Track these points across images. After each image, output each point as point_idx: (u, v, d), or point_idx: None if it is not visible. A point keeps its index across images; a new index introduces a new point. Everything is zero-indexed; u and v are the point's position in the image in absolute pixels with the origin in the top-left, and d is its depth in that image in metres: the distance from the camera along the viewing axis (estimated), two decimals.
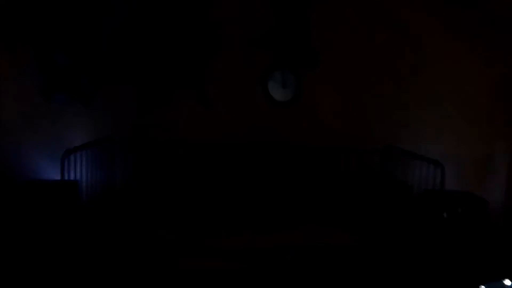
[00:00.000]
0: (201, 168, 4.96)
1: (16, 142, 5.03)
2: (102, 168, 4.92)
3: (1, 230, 4.27)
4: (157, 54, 4.99)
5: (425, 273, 3.97)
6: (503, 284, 3.17)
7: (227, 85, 5.11)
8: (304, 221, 4.61)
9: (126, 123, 5.09)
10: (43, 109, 5.02)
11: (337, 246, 4.17)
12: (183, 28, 4.97)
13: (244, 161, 5.01)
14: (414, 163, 4.64)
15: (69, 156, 4.19)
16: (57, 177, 4.30)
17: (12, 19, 4.91)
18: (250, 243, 4.13)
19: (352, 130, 5.17)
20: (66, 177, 4.14)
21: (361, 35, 5.13)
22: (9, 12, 4.90)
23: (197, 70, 5.06)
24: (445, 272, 4.01)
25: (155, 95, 5.04)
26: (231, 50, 5.05)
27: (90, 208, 4.51)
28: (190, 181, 4.89)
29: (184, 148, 5.02)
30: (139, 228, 4.44)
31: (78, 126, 5.03)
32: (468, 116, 5.24)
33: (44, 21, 4.89)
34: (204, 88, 5.07)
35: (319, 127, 5.15)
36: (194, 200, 4.80)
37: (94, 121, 5.06)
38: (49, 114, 5.03)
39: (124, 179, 5.04)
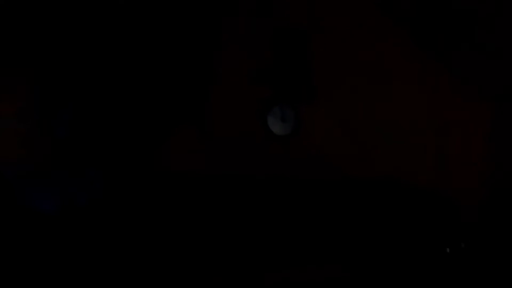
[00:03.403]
0: (197, 203, 4.94)
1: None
2: None
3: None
4: (157, 91, 5.08)
5: None
6: None
7: (226, 121, 5.13)
8: (303, 258, 4.53)
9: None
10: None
11: (336, 282, 4.12)
12: (185, 64, 5.07)
13: (243, 196, 4.98)
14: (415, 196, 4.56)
15: None
16: None
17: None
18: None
19: (352, 161, 5.03)
20: None
21: (360, 64, 5.12)
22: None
23: (197, 106, 5.12)
24: None
25: (155, 130, 5.11)
26: (230, 86, 5.09)
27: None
28: (187, 215, 4.87)
29: (181, 181, 5.01)
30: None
31: None
32: (471, 144, 5.14)
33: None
34: (204, 123, 5.11)
35: (319, 160, 5.05)
36: (193, 237, 4.77)
37: None
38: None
39: None
